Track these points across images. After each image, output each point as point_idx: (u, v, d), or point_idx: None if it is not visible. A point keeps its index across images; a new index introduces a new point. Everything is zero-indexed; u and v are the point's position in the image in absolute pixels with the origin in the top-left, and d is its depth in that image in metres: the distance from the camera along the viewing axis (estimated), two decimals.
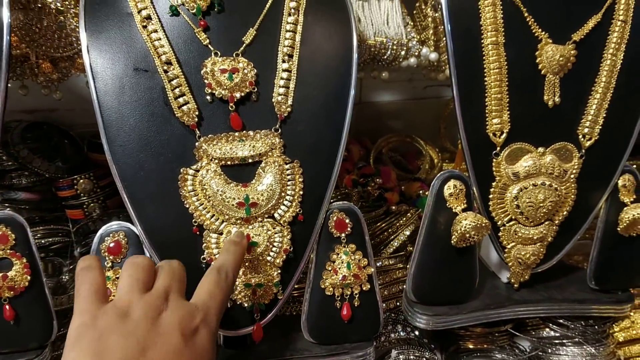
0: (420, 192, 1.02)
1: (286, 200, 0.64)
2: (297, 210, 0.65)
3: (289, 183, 0.64)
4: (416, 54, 0.87)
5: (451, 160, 1.18)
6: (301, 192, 0.65)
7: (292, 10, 0.66)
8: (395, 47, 0.86)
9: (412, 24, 0.88)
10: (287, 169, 0.64)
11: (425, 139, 1.18)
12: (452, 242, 0.69)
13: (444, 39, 0.69)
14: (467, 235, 0.68)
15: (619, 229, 0.75)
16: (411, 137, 1.16)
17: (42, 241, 0.91)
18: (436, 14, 0.84)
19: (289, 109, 0.64)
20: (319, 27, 0.68)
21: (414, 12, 0.88)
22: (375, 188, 1.00)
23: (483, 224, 0.68)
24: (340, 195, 0.96)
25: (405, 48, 0.86)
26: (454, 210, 0.70)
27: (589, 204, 0.75)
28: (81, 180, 0.91)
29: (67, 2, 0.72)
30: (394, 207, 0.97)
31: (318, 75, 0.67)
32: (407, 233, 0.89)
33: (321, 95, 0.66)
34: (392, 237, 0.89)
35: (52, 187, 0.94)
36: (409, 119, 1.22)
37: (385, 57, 0.87)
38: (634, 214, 0.74)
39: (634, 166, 0.78)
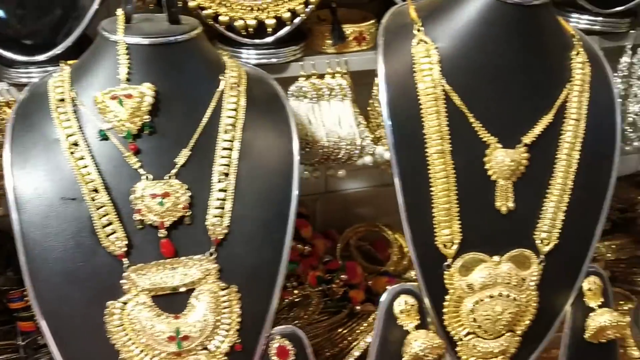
0: (387, 287, 0.98)
1: (222, 329, 0.61)
2: (235, 339, 0.61)
3: (224, 311, 0.61)
4: (371, 152, 0.85)
5: None
6: (239, 320, 0.61)
7: (229, 127, 0.64)
8: (348, 147, 0.84)
9: (365, 123, 0.86)
10: (223, 296, 0.61)
11: (395, 227, 1.14)
12: None
13: None
14: (420, 356, 0.64)
15: (585, 336, 0.71)
16: (378, 226, 1.13)
17: None
18: None
19: (225, 231, 0.61)
20: (258, 141, 0.66)
21: (368, 108, 0.87)
22: (340, 286, 0.96)
23: (435, 344, 0.64)
24: (298, 297, 0.92)
25: (359, 147, 0.85)
26: (404, 328, 0.66)
27: (553, 311, 0.72)
28: None
29: None
30: (358, 307, 0.93)
31: (257, 193, 0.64)
32: (369, 340, 0.85)
33: (261, 213, 0.63)
34: (353, 344, 0.85)
35: (2, 299, 0.90)
36: (378, 206, 1.19)
37: (339, 156, 0.85)
38: (600, 321, 0.70)
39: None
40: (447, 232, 0.66)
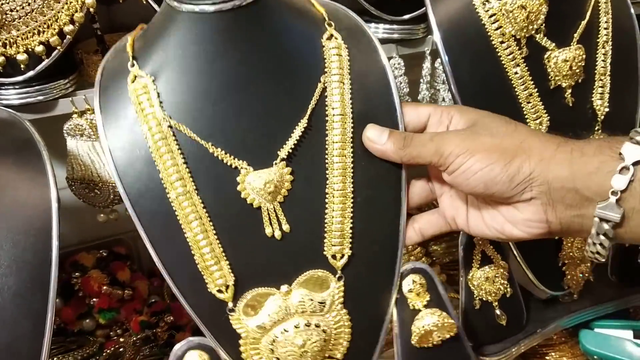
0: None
1: None
2: None
3: None
4: None
5: None
6: None
7: None
8: None
9: None
10: None
11: None
12: None
13: None
14: None
15: (412, 342, 0.64)
16: None
17: None
18: None
19: None
20: (6, 199, 0.60)
21: None
22: (165, 329, 0.91)
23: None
24: (118, 346, 0.88)
25: None
26: None
27: (375, 324, 0.64)
28: None
29: None
30: None
31: (7, 258, 0.58)
32: None
33: (13, 282, 0.58)
34: None
35: None
36: None
37: None
38: (423, 324, 0.62)
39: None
40: (218, 275, 0.60)
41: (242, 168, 0.59)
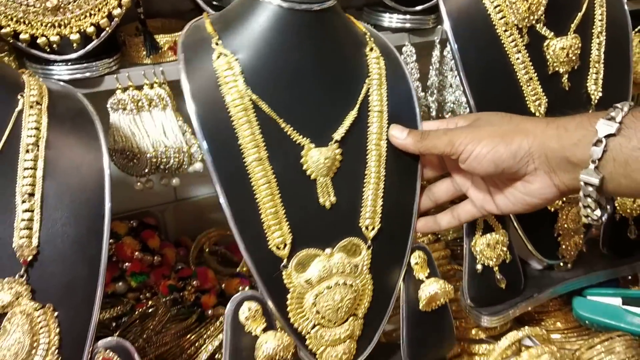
0: (240, 288, 1.00)
1: (41, 349, 0.59)
2: (55, 358, 0.60)
3: (41, 330, 0.59)
4: (199, 159, 0.86)
5: None
6: (58, 337, 0.60)
7: (30, 147, 0.62)
8: (176, 155, 0.84)
9: (190, 130, 0.87)
10: (38, 316, 0.59)
11: None
12: None
13: None
14: (273, 356, 0.66)
15: (420, 306, 0.77)
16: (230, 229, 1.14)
17: None
18: None
19: (34, 252, 0.60)
20: (64, 159, 0.64)
21: None
22: (192, 292, 0.97)
23: (286, 343, 0.66)
24: (150, 307, 0.92)
25: (187, 154, 0.85)
26: (253, 334, 0.68)
27: (388, 289, 0.77)
28: None
29: None
30: (210, 312, 0.94)
31: (67, 210, 0.63)
32: (217, 343, 0.86)
33: (72, 231, 0.62)
34: (201, 349, 0.86)
35: None
36: None
37: (169, 165, 0.86)
38: (429, 291, 0.76)
39: None
40: (278, 234, 0.68)
41: (305, 145, 0.69)
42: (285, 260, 0.69)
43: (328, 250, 0.71)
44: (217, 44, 0.68)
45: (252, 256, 0.68)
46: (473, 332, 1.00)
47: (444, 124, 0.78)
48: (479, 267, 0.88)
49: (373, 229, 0.74)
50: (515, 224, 0.90)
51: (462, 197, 0.80)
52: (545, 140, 0.65)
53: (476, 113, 0.79)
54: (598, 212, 0.64)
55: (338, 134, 0.71)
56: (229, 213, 0.67)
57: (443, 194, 0.80)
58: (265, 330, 0.68)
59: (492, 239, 0.87)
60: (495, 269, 0.89)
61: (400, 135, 0.75)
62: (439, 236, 1.19)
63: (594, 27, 0.88)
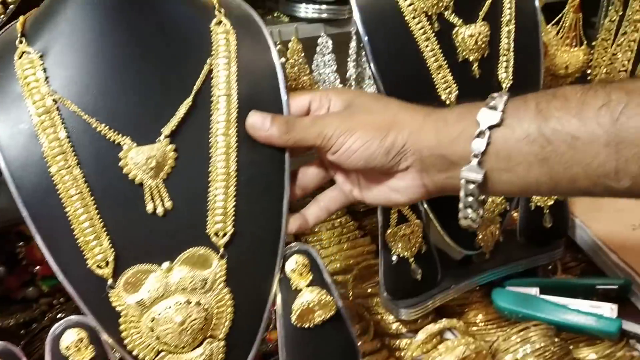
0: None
1: None
2: None
3: None
4: None
5: None
6: None
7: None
8: None
9: None
10: None
11: None
12: None
13: None
14: None
15: (292, 321, 0.65)
16: None
17: None
18: None
19: None
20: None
21: None
22: None
23: None
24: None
25: None
26: None
27: (257, 304, 0.65)
28: None
29: None
30: None
31: None
32: None
33: None
34: None
35: None
36: None
37: None
38: (301, 302, 0.64)
39: None
40: (98, 250, 0.60)
41: (124, 144, 0.60)
42: (110, 280, 0.60)
43: (165, 265, 0.61)
44: (20, 42, 0.61)
45: (69, 278, 0.60)
46: (394, 326, 0.98)
47: (316, 97, 0.66)
48: (394, 258, 0.87)
49: (224, 235, 0.63)
50: (430, 214, 0.84)
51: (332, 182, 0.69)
52: (422, 135, 0.59)
53: (350, 91, 0.68)
54: (481, 212, 0.58)
55: (167, 128, 0.61)
56: (35, 231, 0.59)
57: (312, 179, 0.69)
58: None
59: (406, 229, 0.87)
60: (411, 260, 0.88)
61: (262, 126, 0.63)
62: (366, 232, 1.15)
63: (503, 15, 0.87)
